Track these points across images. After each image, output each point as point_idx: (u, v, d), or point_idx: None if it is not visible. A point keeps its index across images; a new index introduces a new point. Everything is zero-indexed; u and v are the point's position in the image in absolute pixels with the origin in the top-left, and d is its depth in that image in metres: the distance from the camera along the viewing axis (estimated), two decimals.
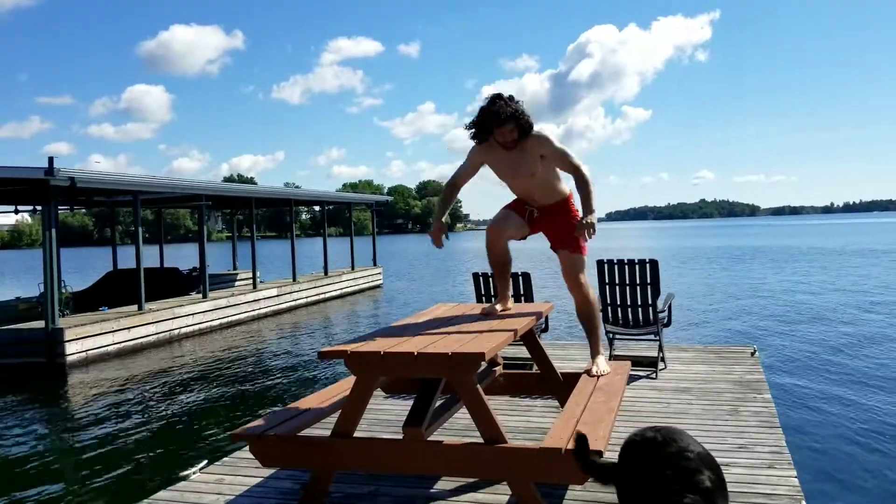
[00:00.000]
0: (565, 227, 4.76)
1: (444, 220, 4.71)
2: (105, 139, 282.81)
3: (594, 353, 5.01)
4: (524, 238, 4.98)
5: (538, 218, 4.83)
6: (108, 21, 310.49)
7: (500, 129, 4.35)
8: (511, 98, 4.40)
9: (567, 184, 4.79)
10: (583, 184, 4.50)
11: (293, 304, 21.33)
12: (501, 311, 4.77)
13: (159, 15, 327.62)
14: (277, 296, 20.58)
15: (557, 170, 4.68)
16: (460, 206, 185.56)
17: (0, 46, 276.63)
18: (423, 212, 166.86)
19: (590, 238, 4.48)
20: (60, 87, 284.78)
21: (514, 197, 4.91)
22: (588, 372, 4.79)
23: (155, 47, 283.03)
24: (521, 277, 7.09)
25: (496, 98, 4.39)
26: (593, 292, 5.07)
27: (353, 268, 26.86)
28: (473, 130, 4.52)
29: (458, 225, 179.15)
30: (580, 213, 4.62)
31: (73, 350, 12.75)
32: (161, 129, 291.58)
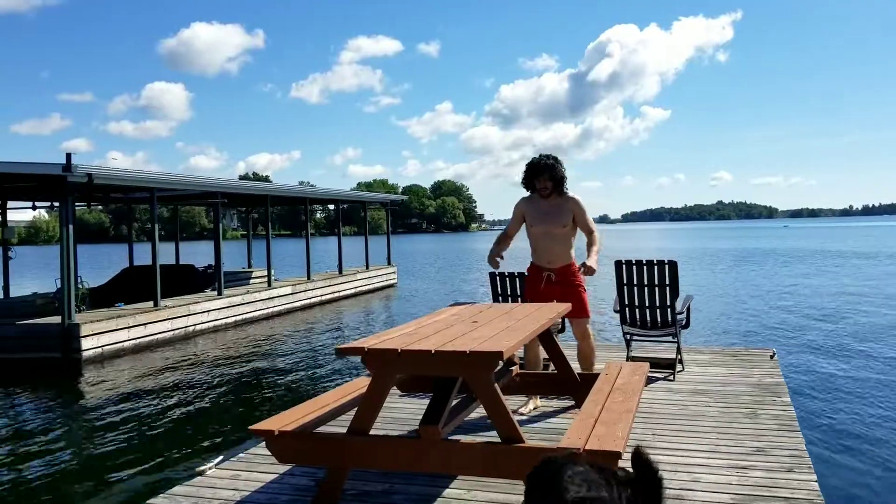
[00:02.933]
0: (574, 297, 5.56)
1: (498, 253, 5.81)
2: (124, 136, 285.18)
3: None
4: None
5: (553, 284, 5.63)
6: (129, 18, 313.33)
7: (538, 178, 5.53)
8: (551, 157, 5.57)
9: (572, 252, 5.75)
10: (594, 241, 5.58)
11: (307, 302, 21.37)
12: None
13: (181, 13, 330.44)
14: (292, 294, 20.62)
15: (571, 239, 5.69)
16: (475, 207, 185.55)
17: (24, 44, 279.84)
18: (437, 211, 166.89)
19: (585, 276, 5.51)
20: (81, 84, 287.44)
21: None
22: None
23: (176, 45, 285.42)
24: None
25: (541, 156, 5.59)
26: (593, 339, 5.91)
27: (367, 267, 26.88)
28: (523, 180, 5.70)
29: (473, 225, 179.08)
30: (584, 281, 5.66)
31: (89, 346, 12.82)
32: (179, 127, 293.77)
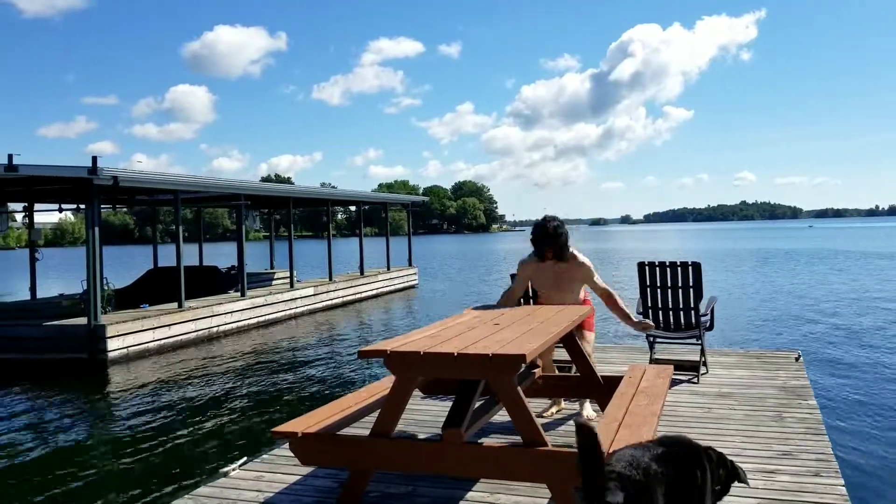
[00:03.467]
0: (581, 324, 5.44)
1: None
2: (148, 139, 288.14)
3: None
4: None
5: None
6: (154, 22, 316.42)
7: (545, 246, 5.46)
8: (555, 220, 5.48)
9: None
10: (615, 301, 5.53)
11: (329, 303, 21.46)
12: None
13: (204, 16, 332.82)
14: (314, 295, 20.72)
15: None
16: (496, 207, 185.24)
17: (52, 48, 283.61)
18: (458, 212, 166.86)
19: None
20: (106, 87, 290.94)
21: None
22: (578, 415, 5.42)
23: (199, 48, 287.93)
24: None
25: (545, 219, 5.50)
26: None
27: (388, 268, 26.94)
28: (532, 241, 5.59)
29: (494, 226, 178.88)
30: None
31: (115, 346, 12.96)
32: (203, 130, 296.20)
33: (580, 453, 2.26)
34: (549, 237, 5.42)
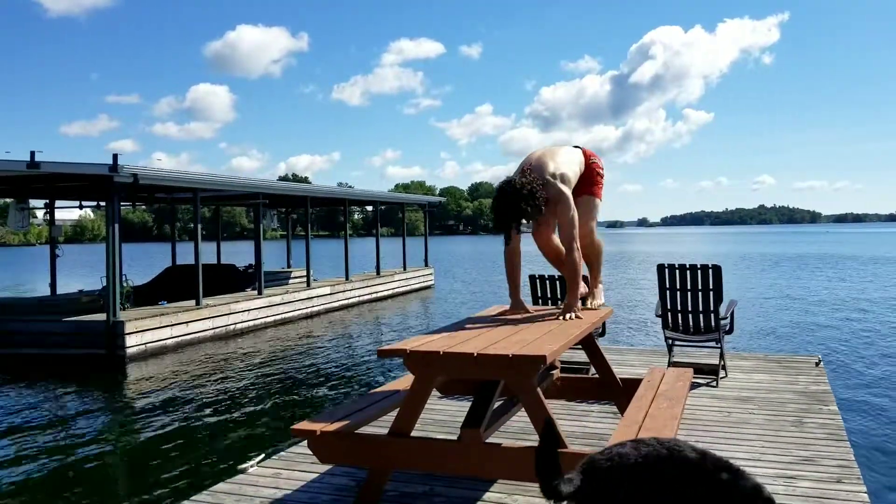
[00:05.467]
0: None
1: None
2: (169, 137, 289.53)
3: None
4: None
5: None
6: (178, 21, 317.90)
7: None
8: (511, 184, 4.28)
9: None
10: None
11: (346, 302, 21.51)
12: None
13: (228, 15, 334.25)
14: (330, 294, 20.77)
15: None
16: None
17: (76, 47, 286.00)
18: (474, 213, 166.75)
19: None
20: (129, 85, 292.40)
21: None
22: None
23: (221, 47, 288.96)
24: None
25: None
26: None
27: (404, 268, 26.97)
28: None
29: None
30: None
31: (133, 343, 13.05)
32: (223, 129, 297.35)
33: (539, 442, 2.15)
34: (511, 206, 4.23)
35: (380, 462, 3.80)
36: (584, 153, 4.82)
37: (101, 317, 13.27)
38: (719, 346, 6.81)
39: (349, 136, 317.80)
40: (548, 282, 7.16)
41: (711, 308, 6.71)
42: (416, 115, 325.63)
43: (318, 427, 3.78)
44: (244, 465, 4.65)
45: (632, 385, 4.75)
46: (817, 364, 7.43)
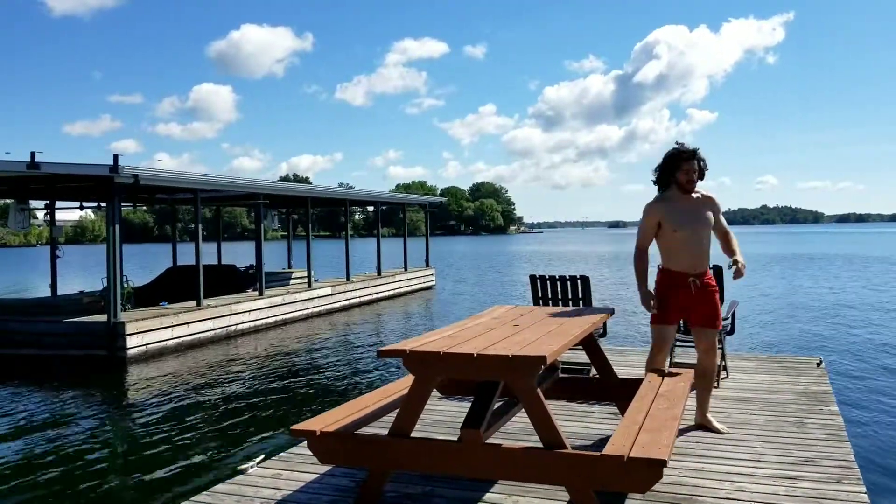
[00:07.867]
0: (713, 304, 5.07)
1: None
2: (171, 137, 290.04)
3: (707, 410, 5.36)
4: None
5: (698, 291, 5.00)
6: (182, 20, 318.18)
7: (688, 165, 4.88)
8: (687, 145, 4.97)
9: None
10: (732, 238, 5.08)
11: (347, 303, 21.51)
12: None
13: (232, 15, 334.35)
14: (331, 295, 20.77)
15: None
16: (514, 209, 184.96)
17: (80, 46, 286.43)
18: (475, 213, 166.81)
19: (737, 278, 5.03)
20: (132, 85, 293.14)
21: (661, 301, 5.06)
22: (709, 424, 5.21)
23: (225, 47, 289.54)
24: (579, 281, 7.00)
25: (677, 143, 4.98)
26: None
27: (406, 268, 26.97)
28: (658, 175, 5.04)
29: (511, 227, 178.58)
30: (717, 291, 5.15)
31: (134, 343, 13.05)
32: (225, 129, 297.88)
33: None
34: (688, 154, 4.86)
35: (380, 462, 3.80)
36: None
37: (102, 318, 13.27)
38: (720, 346, 6.80)
39: (352, 136, 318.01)
40: (548, 282, 7.17)
41: None
42: (419, 114, 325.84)
43: (318, 427, 3.78)
44: (244, 466, 4.65)
45: (632, 385, 4.75)
46: (819, 365, 7.43)
